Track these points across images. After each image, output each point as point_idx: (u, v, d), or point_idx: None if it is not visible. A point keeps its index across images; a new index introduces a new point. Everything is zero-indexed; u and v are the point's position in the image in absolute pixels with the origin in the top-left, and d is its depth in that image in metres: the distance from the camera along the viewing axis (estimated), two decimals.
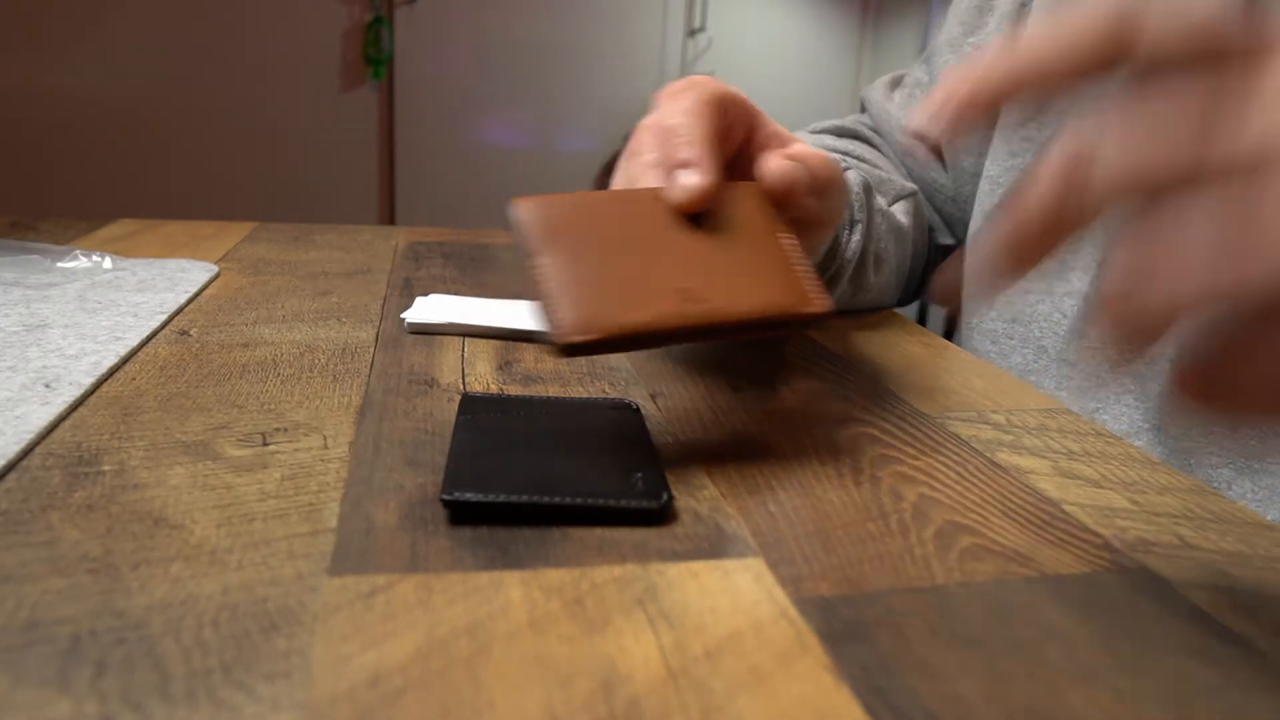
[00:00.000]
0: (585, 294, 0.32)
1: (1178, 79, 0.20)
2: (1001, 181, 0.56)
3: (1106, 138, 0.20)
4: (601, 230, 0.34)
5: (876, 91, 0.72)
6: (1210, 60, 0.20)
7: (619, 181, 0.40)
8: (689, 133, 0.35)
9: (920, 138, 0.25)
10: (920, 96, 0.68)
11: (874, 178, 0.60)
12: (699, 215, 0.35)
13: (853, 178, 0.53)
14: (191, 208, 2.83)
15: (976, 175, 0.61)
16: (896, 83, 0.72)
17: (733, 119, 0.40)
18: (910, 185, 0.62)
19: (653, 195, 0.35)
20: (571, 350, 0.31)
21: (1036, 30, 0.22)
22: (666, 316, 0.32)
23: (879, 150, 0.69)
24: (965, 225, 0.65)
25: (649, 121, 0.38)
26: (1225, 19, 0.20)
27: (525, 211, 0.33)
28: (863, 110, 0.74)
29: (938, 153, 0.66)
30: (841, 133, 0.70)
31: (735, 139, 0.41)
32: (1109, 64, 0.21)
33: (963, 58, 0.62)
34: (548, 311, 0.31)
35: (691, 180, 0.34)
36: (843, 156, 0.61)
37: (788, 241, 0.36)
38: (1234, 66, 0.20)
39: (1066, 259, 0.26)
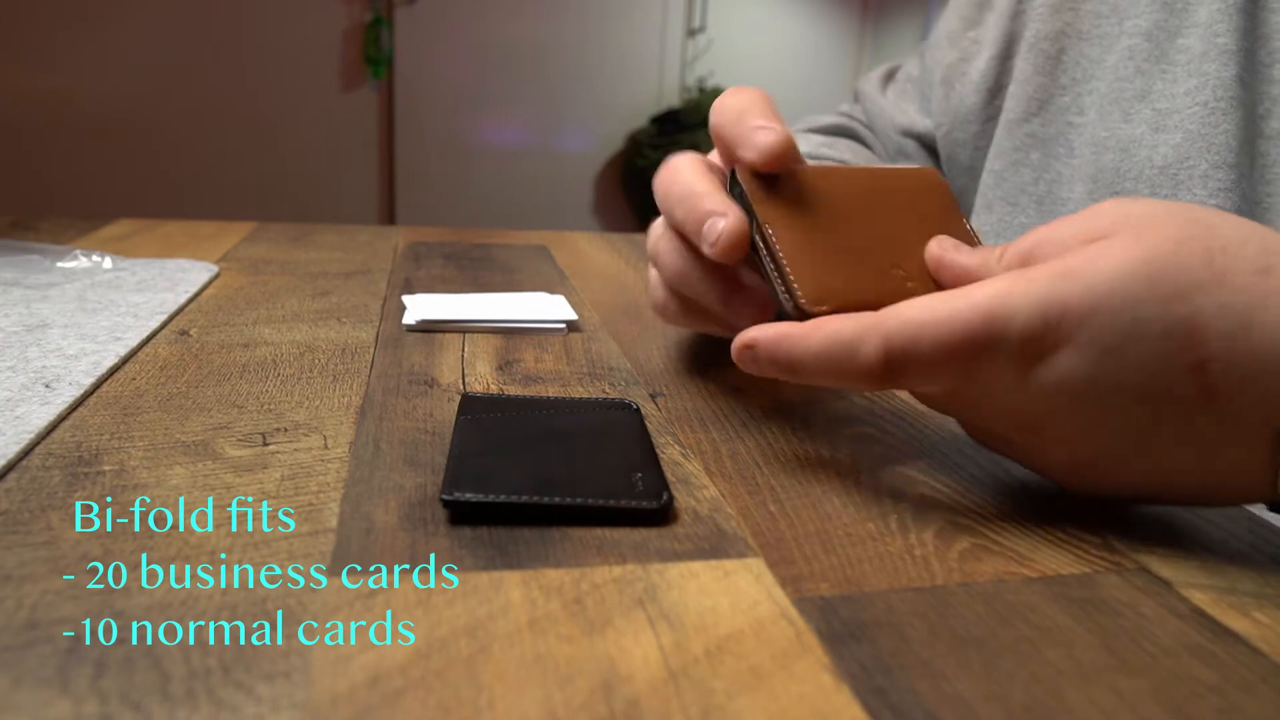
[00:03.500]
0: (817, 265, 0.34)
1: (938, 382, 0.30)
2: (1005, 176, 0.56)
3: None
4: (816, 203, 0.36)
5: (870, 84, 0.73)
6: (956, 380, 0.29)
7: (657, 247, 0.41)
8: (700, 188, 0.36)
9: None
10: (911, 91, 0.69)
11: None
12: (894, 199, 0.37)
13: None
14: (191, 208, 2.83)
15: (971, 169, 0.62)
16: (890, 76, 0.73)
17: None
18: None
19: (831, 174, 0.37)
20: (809, 315, 0.33)
21: (817, 346, 0.30)
22: (887, 295, 0.33)
23: (869, 148, 0.70)
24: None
25: (663, 196, 0.39)
26: (948, 348, 0.28)
27: (745, 179, 0.36)
28: (856, 101, 0.75)
29: (932, 150, 0.66)
30: (835, 131, 0.71)
31: None
32: (880, 387, 0.30)
33: (961, 51, 0.62)
34: (784, 278, 0.34)
35: (720, 224, 0.35)
36: (834, 162, 0.62)
37: (970, 227, 0.38)
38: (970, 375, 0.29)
39: None
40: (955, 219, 0.37)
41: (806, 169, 0.37)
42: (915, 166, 0.40)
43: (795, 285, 0.33)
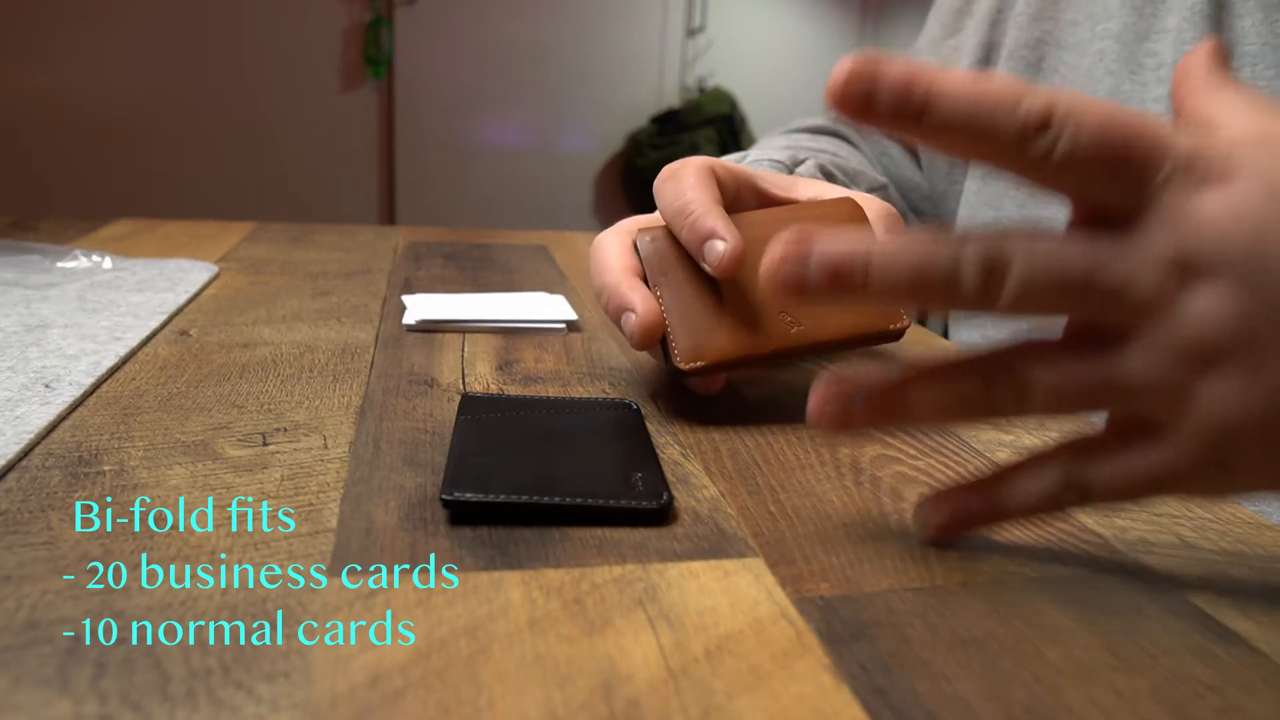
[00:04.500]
0: (696, 324, 0.37)
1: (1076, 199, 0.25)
2: (988, 181, 0.57)
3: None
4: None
5: None
6: (1100, 180, 0.24)
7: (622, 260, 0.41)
8: (700, 205, 0.37)
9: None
10: None
11: (847, 169, 0.62)
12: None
13: (809, 167, 0.57)
14: (191, 208, 2.83)
15: (950, 174, 0.63)
16: None
17: (730, 183, 0.42)
18: (881, 179, 0.64)
19: (750, 219, 0.39)
20: (687, 374, 0.37)
21: (962, 90, 0.24)
22: (766, 342, 0.37)
23: (854, 146, 0.70)
24: (940, 222, 0.67)
25: (664, 208, 0.40)
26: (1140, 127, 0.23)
27: (645, 244, 0.39)
28: None
29: (913, 152, 0.67)
30: (818, 130, 0.72)
31: (745, 203, 0.43)
32: (1027, 136, 0.23)
33: (941, 59, 0.63)
34: (669, 339, 0.37)
35: (720, 247, 0.36)
36: (814, 152, 0.62)
37: None
38: (1114, 198, 0.24)
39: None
40: None
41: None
42: (835, 198, 0.41)
43: (673, 343, 0.37)
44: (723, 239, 0.36)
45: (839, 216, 0.40)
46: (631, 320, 0.36)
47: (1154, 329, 0.24)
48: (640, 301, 0.36)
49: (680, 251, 0.38)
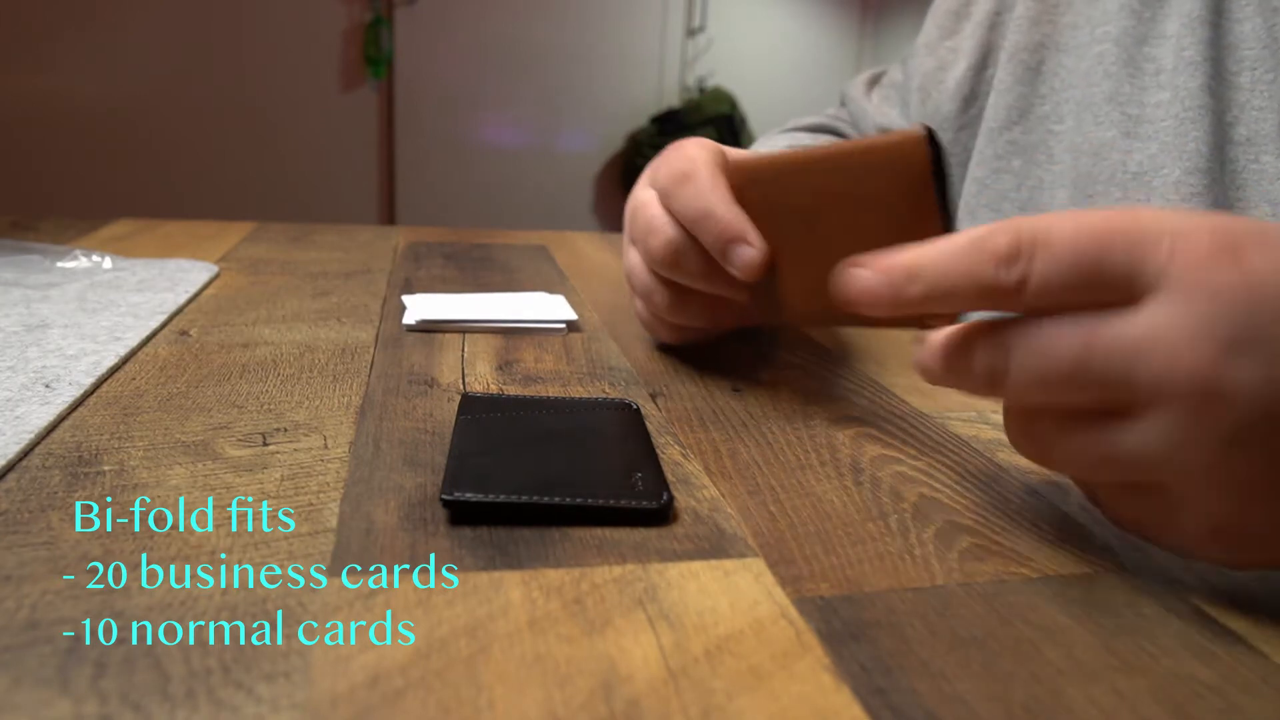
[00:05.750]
0: (789, 283, 0.39)
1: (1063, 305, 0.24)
2: (988, 184, 0.57)
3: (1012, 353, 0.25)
4: (788, 214, 0.38)
5: (856, 89, 0.74)
6: (1088, 292, 0.24)
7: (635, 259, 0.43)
8: (722, 207, 0.38)
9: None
10: (893, 96, 0.70)
11: None
12: (862, 191, 0.35)
13: None
14: (191, 208, 2.83)
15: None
16: (875, 80, 0.74)
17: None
18: None
19: (821, 164, 0.36)
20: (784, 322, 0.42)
21: (943, 245, 0.26)
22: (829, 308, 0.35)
23: None
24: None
25: (670, 197, 0.39)
26: (1098, 258, 0.24)
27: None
28: (842, 104, 0.76)
29: None
30: (818, 129, 0.73)
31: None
32: (1002, 288, 0.25)
33: (939, 61, 0.63)
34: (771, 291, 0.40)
35: (748, 253, 0.37)
36: None
37: (943, 207, 0.34)
38: (1110, 300, 0.24)
39: None
40: (924, 209, 0.34)
41: (781, 173, 0.38)
42: (898, 134, 0.35)
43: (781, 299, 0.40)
44: (750, 244, 0.37)
45: (888, 163, 0.35)
46: (747, 254, 0.37)
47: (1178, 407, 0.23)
48: (753, 233, 0.37)
49: (765, 204, 0.38)
